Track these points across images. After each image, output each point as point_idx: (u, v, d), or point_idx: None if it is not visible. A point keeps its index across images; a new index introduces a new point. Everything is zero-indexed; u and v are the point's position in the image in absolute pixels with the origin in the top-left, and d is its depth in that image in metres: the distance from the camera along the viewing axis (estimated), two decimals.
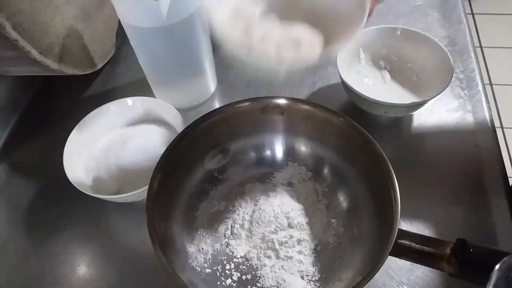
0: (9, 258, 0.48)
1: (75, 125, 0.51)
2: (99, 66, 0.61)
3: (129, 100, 0.53)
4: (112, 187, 0.48)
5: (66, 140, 0.49)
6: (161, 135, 0.52)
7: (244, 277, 0.42)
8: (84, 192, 0.45)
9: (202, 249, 0.44)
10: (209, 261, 0.44)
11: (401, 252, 0.36)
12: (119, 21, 0.64)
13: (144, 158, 0.48)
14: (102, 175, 0.48)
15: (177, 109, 0.51)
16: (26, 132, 0.60)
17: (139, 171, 0.48)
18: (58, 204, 0.52)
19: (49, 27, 0.50)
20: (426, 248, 0.35)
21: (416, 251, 0.35)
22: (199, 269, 0.43)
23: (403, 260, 0.37)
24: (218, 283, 0.42)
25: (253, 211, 0.45)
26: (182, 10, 0.46)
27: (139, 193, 0.45)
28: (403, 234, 0.36)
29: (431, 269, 0.36)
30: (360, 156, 0.43)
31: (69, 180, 0.46)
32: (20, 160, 0.58)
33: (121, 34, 0.65)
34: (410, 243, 0.35)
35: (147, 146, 0.50)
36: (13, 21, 0.44)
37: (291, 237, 0.43)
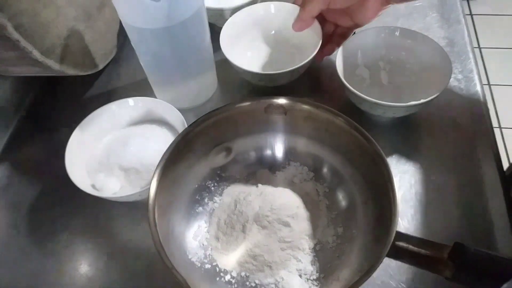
0: (10, 257, 0.49)
1: (77, 125, 0.51)
2: (101, 66, 0.62)
3: (131, 101, 0.54)
4: (113, 186, 0.48)
5: (68, 140, 0.50)
6: (162, 135, 0.52)
7: (243, 273, 0.43)
8: (86, 191, 0.45)
9: (203, 244, 0.45)
10: (209, 257, 0.44)
11: (398, 254, 0.36)
12: (120, 22, 0.64)
13: (146, 158, 0.49)
14: (103, 175, 0.49)
15: (178, 110, 0.51)
16: (28, 132, 0.61)
17: (141, 170, 0.48)
18: (60, 204, 0.52)
19: (51, 28, 0.50)
20: (423, 251, 0.35)
21: (413, 253, 0.35)
22: (199, 264, 0.43)
23: None
24: (218, 278, 0.43)
25: (255, 209, 0.46)
26: (183, 11, 0.46)
27: (141, 192, 0.45)
28: (400, 236, 0.36)
29: None
30: (361, 157, 0.43)
31: (71, 180, 0.46)
32: (22, 159, 0.58)
33: (122, 34, 0.66)
34: (407, 245, 0.35)
35: (148, 146, 0.50)
36: (15, 22, 0.45)
37: (291, 235, 0.44)
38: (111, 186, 0.48)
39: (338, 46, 0.53)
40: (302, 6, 0.49)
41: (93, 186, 0.49)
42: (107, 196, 0.46)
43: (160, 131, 0.53)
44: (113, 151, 0.51)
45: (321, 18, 0.54)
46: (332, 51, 0.55)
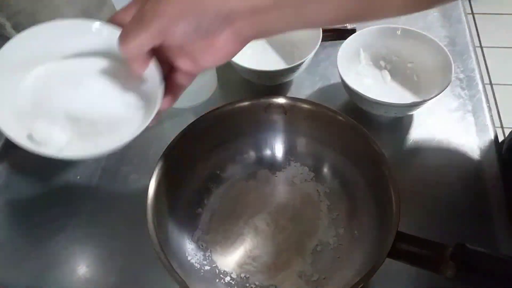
0: (9, 257, 0.48)
1: None
2: None
3: (96, 24, 0.35)
4: (58, 139, 0.34)
5: None
6: (131, 79, 0.36)
7: (242, 275, 0.43)
8: (20, 144, 0.33)
9: (202, 245, 0.44)
10: (209, 258, 0.44)
11: (399, 254, 0.35)
12: None
13: (105, 105, 0.36)
14: (43, 122, 0.34)
15: (176, 109, 0.51)
16: None
17: (97, 121, 0.35)
18: (58, 204, 0.52)
19: None
20: (424, 251, 0.35)
21: (414, 254, 0.35)
22: (198, 266, 0.43)
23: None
24: (217, 280, 0.42)
25: (255, 210, 0.45)
26: None
27: (96, 152, 0.34)
28: (402, 236, 0.35)
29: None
30: (362, 157, 0.43)
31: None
32: (20, 159, 0.58)
33: None
34: (408, 245, 0.35)
35: (110, 89, 0.36)
36: (14, 21, 0.45)
37: (291, 236, 0.43)
38: (54, 139, 0.34)
39: (176, 97, 0.36)
40: (124, 38, 0.31)
41: (29, 137, 0.35)
42: (50, 153, 0.33)
43: (128, 72, 0.35)
44: (59, 90, 0.36)
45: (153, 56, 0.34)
46: (169, 105, 0.36)
